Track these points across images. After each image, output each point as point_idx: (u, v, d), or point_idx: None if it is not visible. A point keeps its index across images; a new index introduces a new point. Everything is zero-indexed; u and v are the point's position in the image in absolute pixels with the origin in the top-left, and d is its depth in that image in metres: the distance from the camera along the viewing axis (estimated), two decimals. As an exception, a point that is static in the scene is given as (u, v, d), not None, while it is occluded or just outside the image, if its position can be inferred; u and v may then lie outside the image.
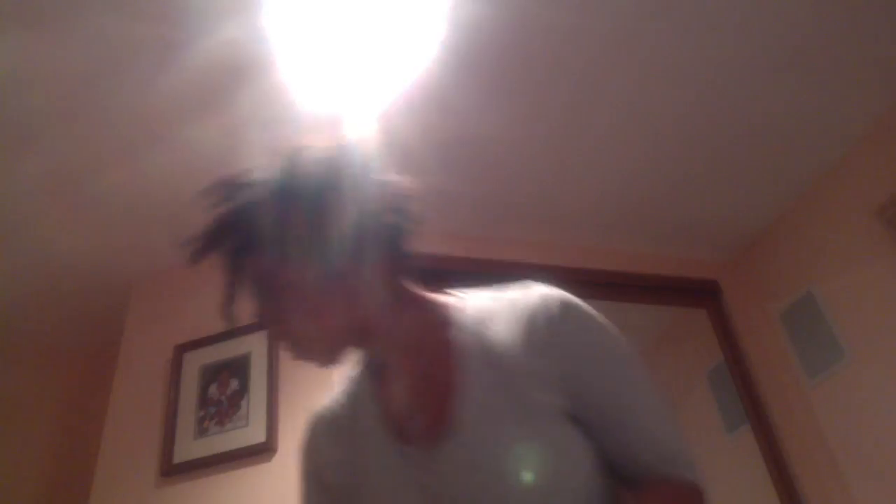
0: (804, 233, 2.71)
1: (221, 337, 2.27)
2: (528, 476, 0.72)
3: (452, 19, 1.83)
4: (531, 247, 2.64)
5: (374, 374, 0.88)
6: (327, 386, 2.27)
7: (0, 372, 2.64)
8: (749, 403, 2.67)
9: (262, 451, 2.03)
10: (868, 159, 2.46)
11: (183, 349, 2.28)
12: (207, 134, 2.00)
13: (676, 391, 3.04)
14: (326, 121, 2.02)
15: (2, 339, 2.63)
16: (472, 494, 0.73)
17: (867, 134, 2.46)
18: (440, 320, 0.84)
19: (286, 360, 2.18)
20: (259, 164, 0.82)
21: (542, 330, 0.78)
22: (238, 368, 2.21)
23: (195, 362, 2.26)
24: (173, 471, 2.06)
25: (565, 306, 0.81)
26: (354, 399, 0.89)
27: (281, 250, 0.77)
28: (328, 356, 0.82)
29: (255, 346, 2.22)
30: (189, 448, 2.09)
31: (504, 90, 2.08)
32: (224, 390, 2.19)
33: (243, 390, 2.16)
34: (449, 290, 0.90)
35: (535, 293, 0.83)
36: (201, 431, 2.12)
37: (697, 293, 2.91)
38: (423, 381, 0.81)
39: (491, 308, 0.84)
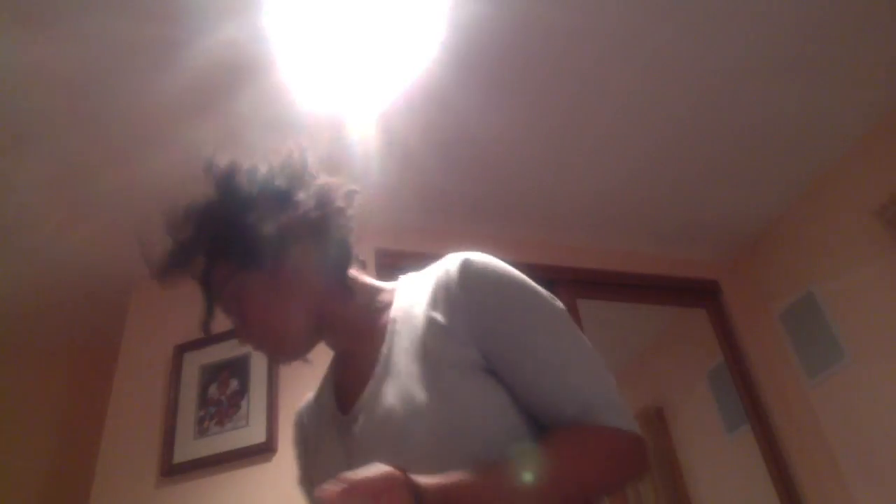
0: (804, 233, 2.71)
1: (221, 337, 2.25)
2: (424, 426, 0.74)
3: (452, 19, 1.83)
4: (531, 246, 2.64)
5: (335, 360, 0.97)
6: (327, 386, 2.25)
7: (0, 372, 2.64)
8: (749, 403, 2.67)
9: (262, 451, 2.04)
10: (868, 159, 2.46)
11: (183, 349, 2.28)
12: (207, 134, 2.00)
13: (676, 391, 3.04)
14: (326, 121, 2.02)
15: (2, 339, 2.64)
16: (377, 448, 0.76)
17: (867, 134, 2.46)
18: (381, 305, 0.90)
19: (286, 360, 2.18)
20: (200, 185, 0.92)
21: (447, 290, 0.81)
22: (238, 368, 2.21)
23: (195, 362, 2.26)
24: (173, 471, 2.06)
25: (465, 264, 0.82)
26: (321, 392, 0.98)
27: (222, 262, 0.86)
28: (292, 352, 0.90)
29: (255, 346, 2.22)
30: (189, 448, 2.09)
31: (504, 90, 2.08)
32: (224, 390, 2.19)
33: (243, 390, 2.17)
34: (398, 276, 0.94)
35: (445, 259, 0.86)
36: (201, 431, 2.12)
37: (697, 293, 2.91)
38: (359, 359, 0.87)
39: (419, 283, 0.88)
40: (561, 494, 0.71)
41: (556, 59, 2.02)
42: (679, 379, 3.06)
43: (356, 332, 0.89)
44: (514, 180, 2.44)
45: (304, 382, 2.15)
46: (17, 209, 2.16)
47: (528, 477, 0.68)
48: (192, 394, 2.20)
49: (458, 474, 0.67)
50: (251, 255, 0.84)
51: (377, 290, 0.92)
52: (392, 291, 0.91)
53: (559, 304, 0.83)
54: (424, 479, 0.64)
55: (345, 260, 0.90)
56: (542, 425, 0.78)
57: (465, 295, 0.80)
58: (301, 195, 0.88)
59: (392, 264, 2.25)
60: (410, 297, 0.87)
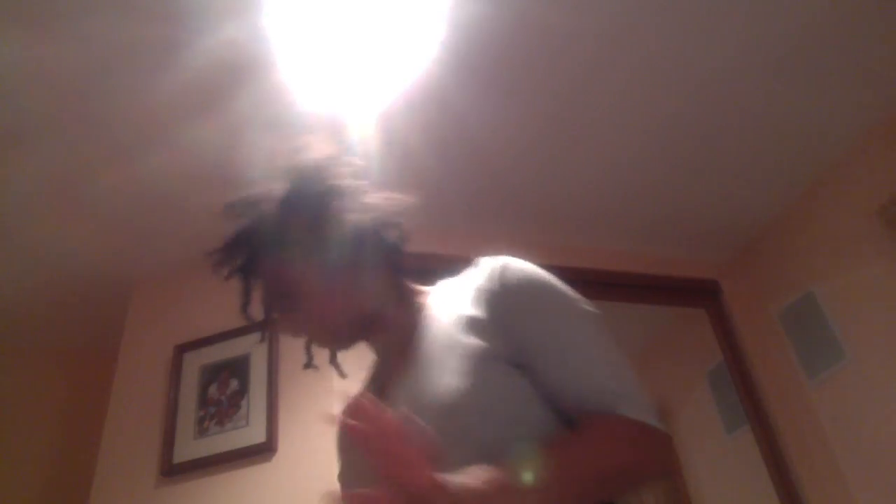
0: (804, 233, 2.71)
1: (221, 337, 2.27)
2: (455, 412, 0.77)
3: (452, 19, 1.83)
4: (530, 246, 2.63)
5: (377, 360, 1.02)
6: (327, 386, 2.27)
7: (0, 372, 2.64)
8: (749, 403, 2.67)
9: (262, 451, 2.03)
10: (868, 159, 2.46)
11: (183, 349, 2.28)
12: (207, 134, 2.00)
13: (676, 391, 3.04)
14: (326, 121, 2.02)
15: (2, 339, 2.64)
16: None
17: (867, 134, 2.46)
18: (420, 307, 0.95)
19: (286, 360, 2.18)
20: (264, 174, 0.94)
21: (484, 287, 0.87)
22: (238, 368, 2.21)
23: (195, 362, 2.26)
24: (173, 471, 2.06)
25: (505, 263, 0.89)
26: (366, 384, 1.02)
27: (291, 255, 0.90)
28: (341, 344, 0.95)
29: (254, 346, 2.22)
30: (189, 448, 2.09)
31: (504, 90, 2.08)
32: (224, 390, 2.19)
33: (243, 390, 2.16)
34: (435, 282, 1.00)
35: (484, 260, 0.92)
36: (201, 431, 2.12)
37: (697, 293, 2.91)
38: (396, 356, 0.92)
39: (455, 284, 0.94)
40: (580, 478, 0.71)
41: (556, 58, 2.02)
42: (679, 379, 3.06)
43: (399, 331, 0.93)
44: (513, 180, 2.44)
45: (304, 383, 2.16)
46: (17, 209, 2.16)
47: (543, 467, 0.70)
48: (192, 394, 2.20)
49: (482, 474, 0.68)
50: (324, 248, 0.89)
51: (418, 292, 0.98)
52: (429, 293, 0.98)
53: (590, 306, 0.88)
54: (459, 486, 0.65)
55: (400, 263, 0.96)
56: (567, 418, 0.80)
57: (501, 290, 0.85)
58: (371, 198, 0.95)
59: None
60: (447, 296, 0.93)
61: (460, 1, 1.78)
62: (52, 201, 2.15)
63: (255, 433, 2.07)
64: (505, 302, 0.84)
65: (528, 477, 0.69)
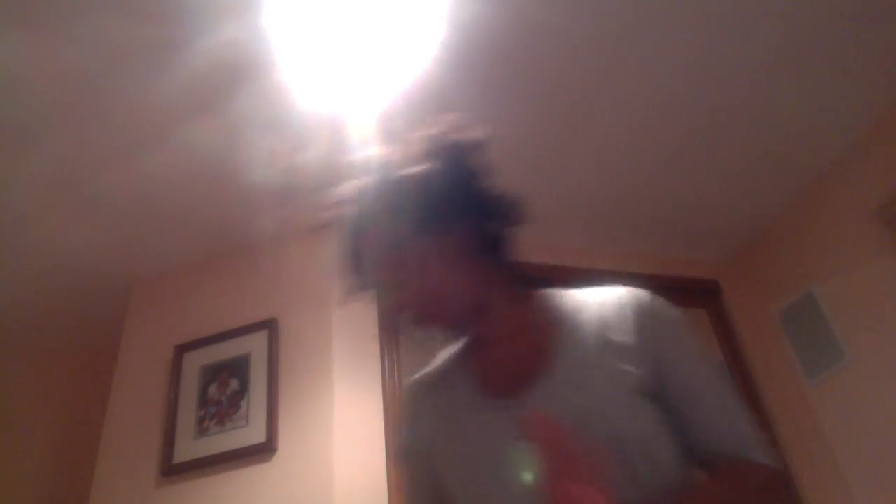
0: (804, 233, 2.71)
1: (221, 337, 2.27)
2: (604, 421, 0.79)
3: (452, 19, 1.83)
4: (530, 246, 2.63)
5: (469, 348, 0.99)
6: (327, 386, 2.27)
7: (0, 372, 2.64)
8: (749, 403, 2.67)
9: (262, 451, 2.03)
10: (868, 159, 2.46)
11: (183, 349, 2.28)
12: (207, 134, 2.00)
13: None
14: (326, 121, 2.02)
15: (2, 339, 2.64)
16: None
17: (867, 134, 2.46)
18: (539, 306, 0.95)
19: (286, 360, 2.18)
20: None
21: (632, 315, 0.88)
22: (238, 368, 2.21)
23: (195, 362, 2.26)
24: (173, 471, 2.06)
25: (654, 298, 0.91)
26: (448, 369, 1.00)
27: (419, 228, 0.90)
28: (448, 322, 0.94)
29: (255, 346, 2.22)
30: (189, 448, 2.09)
31: (503, 90, 2.08)
32: (224, 390, 2.19)
33: (243, 390, 2.16)
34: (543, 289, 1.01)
35: (622, 289, 0.93)
36: (201, 431, 2.12)
37: (697, 293, 2.91)
38: (521, 349, 0.91)
39: (582, 299, 0.94)
40: None
41: (556, 58, 2.02)
42: (679, 379, 3.05)
43: (510, 323, 0.93)
44: (513, 180, 2.43)
45: (304, 383, 2.16)
46: (17, 209, 2.16)
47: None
48: (192, 394, 2.20)
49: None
50: (454, 226, 0.90)
51: (532, 294, 0.98)
52: (546, 297, 0.97)
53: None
54: None
55: (514, 254, 0.97)
56: (691, 453, 0.84)
57: (653, 323, 0.87)
58: (497, 190, 0.98)
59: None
60: (575, 309, 0.92)
61: (460, 1, 1.78)
62: (52, 201, 2.15)
63: (255, 433, 2.07)
64: (658, 333, 0.86)
65: None
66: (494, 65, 1.98)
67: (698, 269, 2.94)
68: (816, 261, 2.63)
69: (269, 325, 2.24)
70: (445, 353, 1.03)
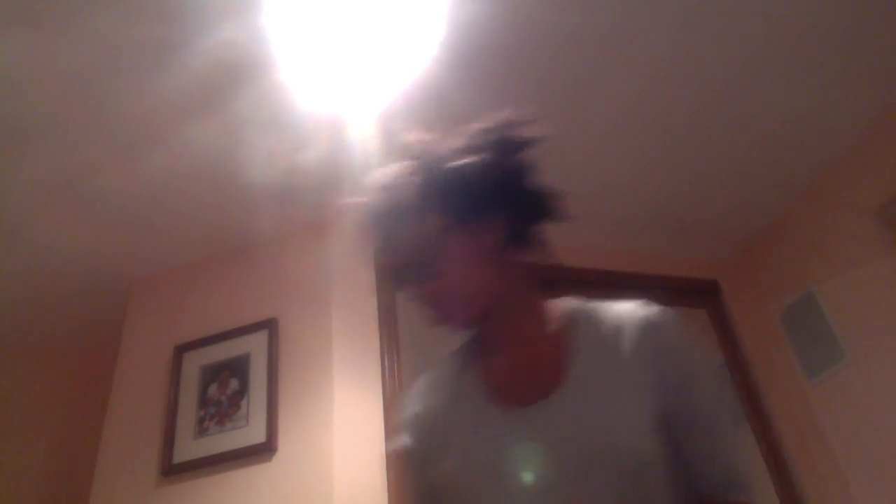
0: (804, 233, 2.71)
1: (221, 337, 2.27)
2: (613, 443, 0.78)
3: (452, 19, 1.83)
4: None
5: (478, 348, 0.96)
6: (327, 386, 2.26)
7: (0, 372, 2.64)
8: (749, 403, 2.67)
9: (262, 450, 2.03)
10: (868, 159, 2.46)
11: (183, 349, 2.28)
12: (207, 134, 2.00)
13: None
14: (326, 121, 2.02)
15: (2, 339, 2.64)
16: (571, 442, 0.79)
17: (867, 134, 2.46)
18: (555, 314, 0.94)
19: (286, 360, 2.18)
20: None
21: (650, 337, 0.86)
22: (238, 368, 2.21)
23: (195, 362, 2.26)
24: (173, 471, 2.06)
25: (675, 323, 0.89)
26: (453, 371, 0.97)
27: (450, 220, 0.89)
28: (464, 318, 0.91)
29: (255, 346, 2.22)
30: (189, 448, 2.09)
31: (503, 90, 2.08)
32: (224, 390, 2.19)
33: (243, 390, 2.16)
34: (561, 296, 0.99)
35: (643, 308, 0.91)
36: (201, 431, 2.12)
37: (697, 293, 2.91)
38: (534, 358, 0.89)
39: (602, 311, 0.93)
40: None
41: (556, 58, 2.02)
42: (679, 379, 3.05)
43: (524, 329, 0.92)
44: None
45: (304, 383, 2.15)
46: (17, 209, 2.16)
47: None
48: (192, 394, 2.20)
49: None
50: (491, 220, 0.89)
51: (552, 299, 0.97)
52: (558, 306, 0.95)
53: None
54: None
55: (540, 256, 0.96)
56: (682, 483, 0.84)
57: (670, 350, 0.86)
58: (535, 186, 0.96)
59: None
60: (593, 321, 0.91)
61: (460, 1, 1.78)
62: (52, 201, 2.15)
63: (254, 433, 2.07)
64: (671, 361, 0.85)
65: None
66: (494, 64, 1.98)
67: (698, 269, 2.94)
68: (816, 260, 2.63)
69: (269, 325, 2.24)
70: (449, 354, 1.01)
